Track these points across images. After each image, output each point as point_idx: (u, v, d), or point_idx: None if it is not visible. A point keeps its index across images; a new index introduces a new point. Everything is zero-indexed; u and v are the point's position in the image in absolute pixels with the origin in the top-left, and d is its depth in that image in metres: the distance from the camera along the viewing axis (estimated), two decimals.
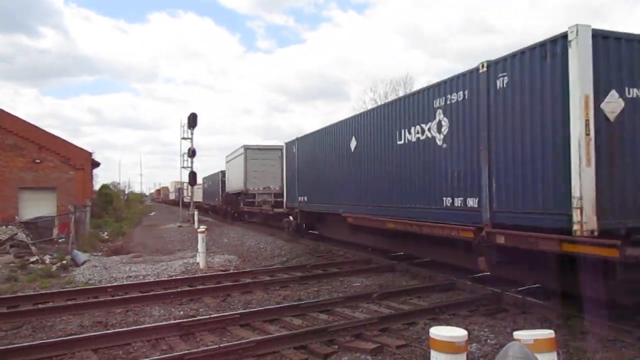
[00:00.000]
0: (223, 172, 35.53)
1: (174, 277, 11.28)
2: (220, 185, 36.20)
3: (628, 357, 5.57)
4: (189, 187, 36.90)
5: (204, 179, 49.45)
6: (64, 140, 27.17)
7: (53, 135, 26.91)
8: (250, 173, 26.78)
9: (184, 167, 33.77)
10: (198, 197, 50.51)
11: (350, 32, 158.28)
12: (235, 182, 29.97)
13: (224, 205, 34.64)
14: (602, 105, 6.38)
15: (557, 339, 3.71)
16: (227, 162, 33.61)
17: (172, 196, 73.98)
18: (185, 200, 50.18)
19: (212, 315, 7.53)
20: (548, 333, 3.57)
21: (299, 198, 17.63)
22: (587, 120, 6.14)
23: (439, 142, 9.29)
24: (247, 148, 27.17)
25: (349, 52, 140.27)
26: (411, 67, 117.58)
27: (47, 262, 14.02)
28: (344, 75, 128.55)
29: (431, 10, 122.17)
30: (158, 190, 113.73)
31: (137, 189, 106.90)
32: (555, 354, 3.54)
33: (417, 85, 50.19)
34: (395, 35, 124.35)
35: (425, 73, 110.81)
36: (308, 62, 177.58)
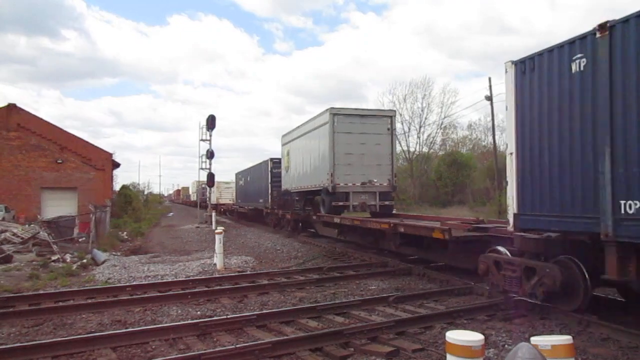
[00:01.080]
0: (275, 162, 25.26)
1: (191, 278, 11.34)
2: (269, 181, 25.53)
3: None
4: (216, 187, 34.64)
5: (237, 174, 37.69)
6: (85, 141, 27.64)
7: (74, 136, 27.39)
8: (339, 157, 15.87)
9: (202, 169, 34.04)
10: (227, 197, 44.18)
11: (368, 34, 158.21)
12: (304, 174, 19.44)
13: (278, 210, 24.16)
14: None
15: (576, 345, 3.65)
16: (285, 143, 22.65)
17: (193, 197, 64.60)
18: (221, 202, 43.76)
19: (228, 316, 7.54)
20: (566, 339, 3.55)
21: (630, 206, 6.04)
22: None
23: None
24: (335, 113, 16.03)
25: (367, 53, 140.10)
26: (430, 68, 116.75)
27: (67, 260, 14.19)
28: (362, 77, 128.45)
29: (449, 10, 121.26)
30: (178, 191, 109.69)
31: (156, 189, 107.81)
32: None
33: (436, 87, 49.55)
34: (413, 36, 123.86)
35: (444, 74, 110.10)
36: (326, 64, 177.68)
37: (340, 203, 16.00)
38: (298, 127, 20.40)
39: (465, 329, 6.61)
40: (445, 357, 3.56)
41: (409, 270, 11.72)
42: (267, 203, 25.95)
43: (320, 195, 17.31)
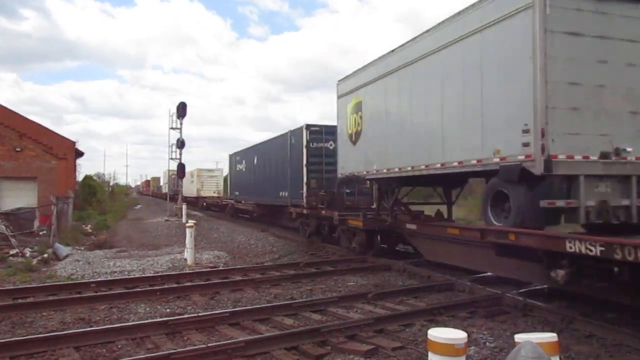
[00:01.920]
0: (314, 130, 16.35)
1: (160, 273, 11.13)
2: (303, 162, 16.31)
3: None
4: (196, 176, 31.32)
5: (234, 156, 28.15)
6: (46, 129, 26.63)
7: (35, 123, 26.36)
8: (558, 92, 6.90)
9: (172, 159, 33.26)
10: (210, 189, 38.41)
11: (347, 19, 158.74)
12: (410, 143, 10.27)
13: (327, 210, 15.02)
14: None
15: (559, 343, 3.60)
16: (350, 91, 13.21)
17: (165, 188, 55.08)
18: (202, 194, 37.15)
19: (200, 314, 7.39)
20: (550, 336, 3.51)
21: None
22: None
23: None
24: None
25: (347, 39, 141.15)
26: None
27: (27, 255, 13.74)
28: (341, 64, 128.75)
29: None
30: (147, 182, 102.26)
31: (122, 180, 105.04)
32: (557, 358, 3.47)
33: None
34: (395, 22, 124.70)
35: None
36: (303, 50, 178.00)
37: (561, 203, 7.09)
38: (393, 50, 10.95)
39: (446, 326, 6.60)
40: (426, 355, 3.50)
41: (389, 266, 11.65)
42: (299, 198, 16.62)
43: (503, 186, 7.79)
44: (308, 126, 16.27)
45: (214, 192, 36.95)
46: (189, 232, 12.75)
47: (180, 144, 32.01)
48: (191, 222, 13.50)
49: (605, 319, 6.67)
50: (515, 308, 7.56)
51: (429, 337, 3.32)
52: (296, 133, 17.13)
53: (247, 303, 8.45)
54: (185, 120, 31.84)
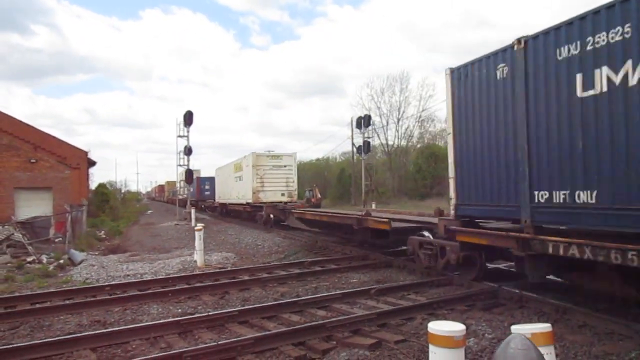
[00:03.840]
0: None
1: (171, 275, 11.23)
2: None
3: (625, 349, 5.57)
4: (252, 166, 21.05)
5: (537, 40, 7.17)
6: (60, 140, 27.10)
7: (48, 135, 26.82)
8: None
9: (180, 165, 33.67)
10: (277, 188, 22.99)
11: (345, 27, 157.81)
12: None
13: None
14: None
15: (554, 333, 3.73)
16: None
17: (182, 192, 44.28)
18: (264, 199, 22.15)
19: (210, 313, 7.47)
20: (545, 327, 3.60)
21: None
22: None
23: None
24: None
25: (345, 47, 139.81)
26: (407, 61, 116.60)
27: (44, 261, 13.92)
28: (340, 71, 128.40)
29: (427, 3, 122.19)
30: (161, 187, 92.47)
31: (133, 187, 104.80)
32: (552, 347, 3.56)
33: (414, 81, 49.48)
34: (391, 29, 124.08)
35: (422, 67, 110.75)
36: (304, 58, 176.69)
37: None
38: None
39: (445, 319, 6.71)
40: (427, 347, 3.57)
41: (390, 263, 11.79)
42: None
43: None
44: None
45: (283, 194, 22.49)
46: (197, 235, 12.91)
47: (188, 150, 32.38)
48: (200, 226, 13.65)
49: (597, 309, 6.79)
50: (511, 300, 7.69)
51: (429, 330, 3.42)
52: None
53: (255, 301, 8.54)
54: (191, 128, 32.28)
